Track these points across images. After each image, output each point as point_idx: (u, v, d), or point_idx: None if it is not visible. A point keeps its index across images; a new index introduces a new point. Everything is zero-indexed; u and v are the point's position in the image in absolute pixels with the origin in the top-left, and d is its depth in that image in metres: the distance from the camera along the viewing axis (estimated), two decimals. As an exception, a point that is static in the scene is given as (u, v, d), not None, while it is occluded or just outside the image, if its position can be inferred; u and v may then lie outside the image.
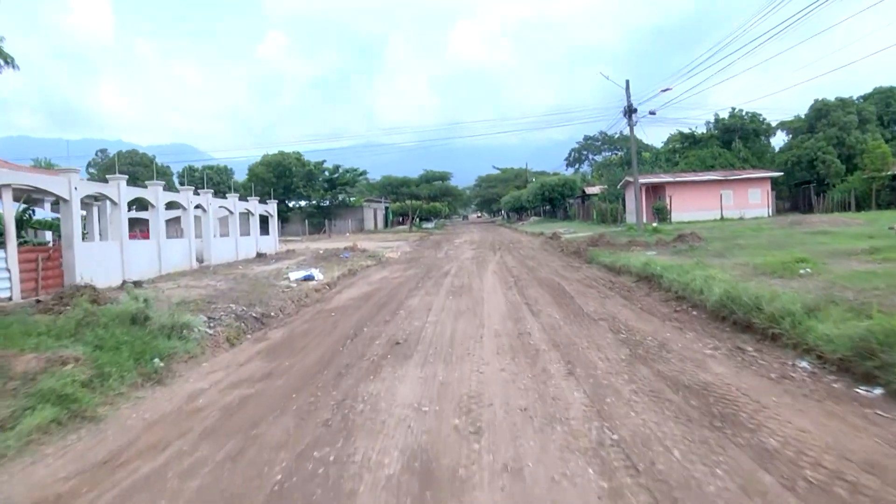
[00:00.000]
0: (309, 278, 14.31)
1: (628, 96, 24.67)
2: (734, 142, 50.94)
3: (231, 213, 21.21)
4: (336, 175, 56.88)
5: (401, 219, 72.80)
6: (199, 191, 19.43)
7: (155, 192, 15.92)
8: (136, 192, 15.83)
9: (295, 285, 13.53)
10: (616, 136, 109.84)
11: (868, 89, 51.86)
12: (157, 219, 15.77)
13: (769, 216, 40.92)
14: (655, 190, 43.54)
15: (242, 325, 9.07)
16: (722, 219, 39.83)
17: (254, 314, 9.69)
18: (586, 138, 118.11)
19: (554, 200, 64.67)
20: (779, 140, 60.91)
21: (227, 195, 22.87)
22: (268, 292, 12.16)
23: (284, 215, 55.67)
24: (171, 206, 18.23)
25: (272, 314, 10.18)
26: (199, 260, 18.85)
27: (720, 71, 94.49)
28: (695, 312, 8.72)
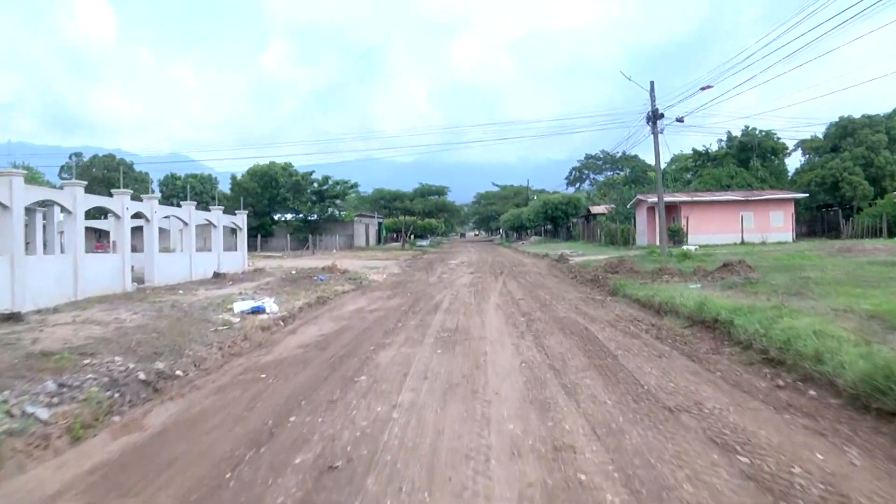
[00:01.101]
0: (258, 310, 11.18)
1: (653, 100, 21.83)
2: (751, 160, 48.23)
3: (186, 224, 18.11)
4: (325, 187, 53.86)
5: (395, 235, 69.68)
6: (143, 196, 16.29)
7: (72, 195, 12.79)
8: (39, 194, 12.82)
9: (237, 320, 10.40)
10: (618, 154, 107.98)
11: (877, 109, 49.46)
12: (74, 228, 12.66)
13: (793, 241, 38.09)
14: (668, 210, 40.63)
15: (117, 395, 5.93)
16: (742, 242, 36.97)
17: (144, 375, 6.54)
18: (587, 157, 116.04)
19: (557, 219, 61.78)
20: (794, 160, 58.42)
21: (210, 206, 20.31)
22: (193, 332, 9.03)
23: (268, 229, 52.68)
24: (137, 216, 15.32)
25: (178, 372, 7.04)
26: (139, 280, 15.70)
27: (744, 82, 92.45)
28: (813, 392, 5.66)
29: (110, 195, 14.97)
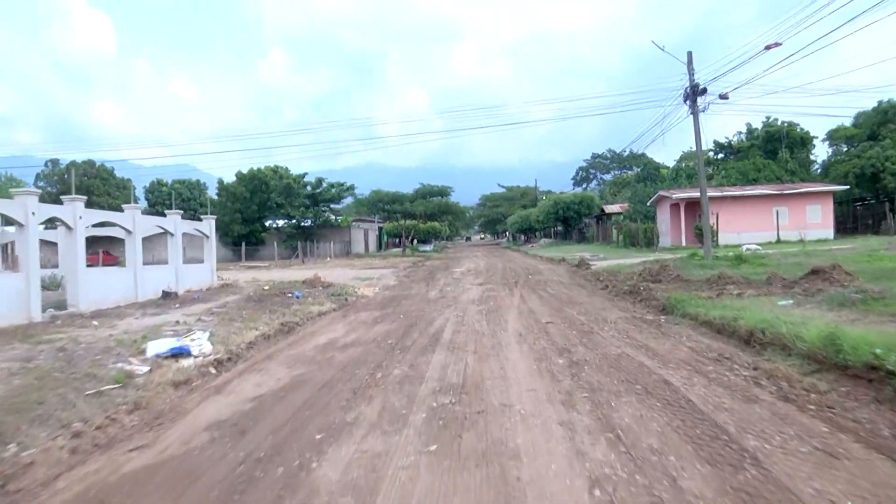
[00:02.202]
0: (181, 352, 7.94)
1: (691, 74, 18.50)
2: (780, 151, 44.72)
3: (129, 232, 14.89)
4: (319, 190, 50.61)
5: (397, 241, 66.28)
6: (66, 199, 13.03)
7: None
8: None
9: (144, 370, 7.19)
10: (625, 153, 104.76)
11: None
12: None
13: (833, 237, 34.69)
14: (693, 207, 37.27)
15: None
16: (779, 241, 33.57)
17: None
18: (594, 156, 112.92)
19: (569, 220, 58.38)
20: (818, 152, 54.91)
21: (199, 214, 17.51)
22: (51, 400, 5.85)
23: (259, 237, 49.60)
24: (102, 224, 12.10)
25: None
26: (59, 306, 12.49)
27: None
28: None
29: (96, 205, 11.83)
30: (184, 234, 17.73)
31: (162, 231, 17.04)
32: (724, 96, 18.28)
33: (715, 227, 33.59)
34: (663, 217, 37.84)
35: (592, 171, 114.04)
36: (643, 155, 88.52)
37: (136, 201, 57.62)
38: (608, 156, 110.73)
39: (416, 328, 10.44)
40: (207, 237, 19.58)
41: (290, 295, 15.45)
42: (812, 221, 35.80)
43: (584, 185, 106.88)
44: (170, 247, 17.27)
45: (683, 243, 35.31)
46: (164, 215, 17.64)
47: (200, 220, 19.84)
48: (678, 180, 52.30)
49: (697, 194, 38.55)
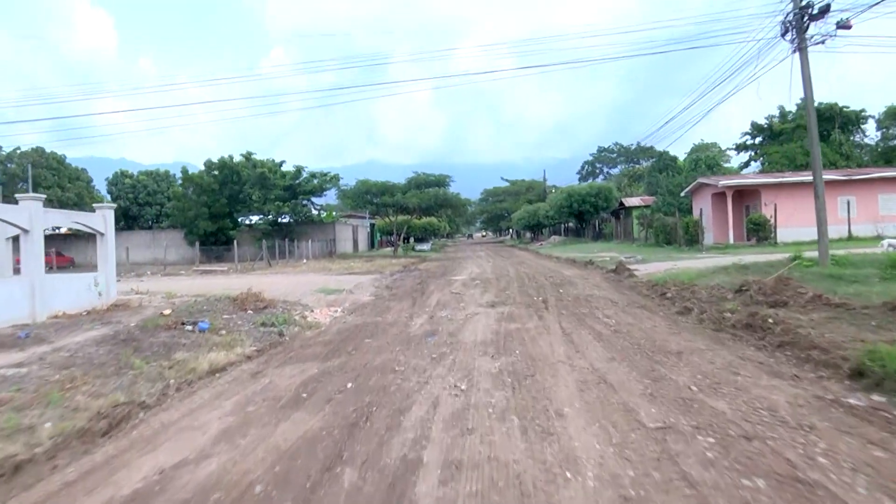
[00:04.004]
0: None
1: (800, -8, 12.78)
2: (832, 133, 39.02)
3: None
4: (299, 180, 44.84)
5: (396, 239, 60.50)
6: None
7: None
8: None
9: None
10: (632, 147, 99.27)
11: None
12: None
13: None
14: (741, 196, 31.65)
15: None
16: (850, 237, 27.96)
17: None
18: (600, 149, 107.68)
19: (584, 214, 52.71)
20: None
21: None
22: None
23: (229, 234, 44.00)
24: None
25: None
26: None
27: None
28: None
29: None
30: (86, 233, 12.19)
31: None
32: (844, 25, 12.71)
33: (772, 221, 27.96)
34: (703, 209, 32.17)
35: (599, 165, 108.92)
36: (651, 148, 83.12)
37: (93, 192, 51.59)
38: (615, 149, 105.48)
39: (365, 433, 4.87)
40: (102, 235, 13.98)
41: (189, 328, 9.88)
42: (887, 214, 30.16)
43: (591, 181, 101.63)
44: (23, 250, 11.68)
45: (731, 240, 29.69)
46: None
47: (91, 210, 14.24)
48: (697, 171, 46.55)
49: (749, 181, 32.92)
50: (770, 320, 8.21)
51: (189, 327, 9.89)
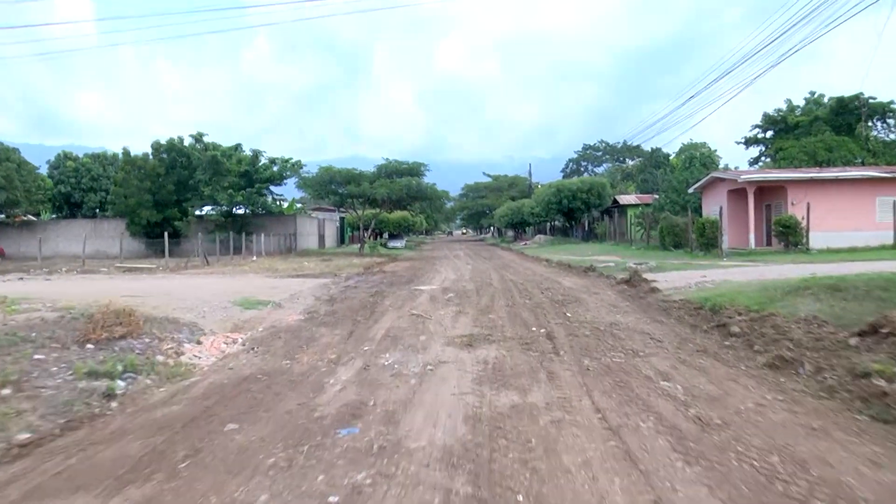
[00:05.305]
0: None
1: None
2: (857, 126, 35.44)
3: None
4: (256, 166, 40.04)
5: (375, 235, 55.72)
6: None
7: None
8: None
9: None
10: (618, 145, 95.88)
11: None
12: None
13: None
14: (763, 194, 27.75)
15: None
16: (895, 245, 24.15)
17: None
18: (585, 147, 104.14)
19: (574, 212, 48.69)
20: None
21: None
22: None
23: (176, 226, 39.18)
24: None
25: None
26: None
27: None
28: None
29: None
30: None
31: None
32: None
33: (804, 223, 24.09)
34: (716, 209, 28.24)
35: (584, 163, 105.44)
36: (638, 147, 79.65)
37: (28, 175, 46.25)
38: (601, 147, 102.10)
39: None
40: None
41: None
42: (928, 217, 26.46)
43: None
44: None
45: (752, 244, 25.80)
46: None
47: None
48: (692, 169, 42.67)
49: (774, 175, 29.08)
50: None
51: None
